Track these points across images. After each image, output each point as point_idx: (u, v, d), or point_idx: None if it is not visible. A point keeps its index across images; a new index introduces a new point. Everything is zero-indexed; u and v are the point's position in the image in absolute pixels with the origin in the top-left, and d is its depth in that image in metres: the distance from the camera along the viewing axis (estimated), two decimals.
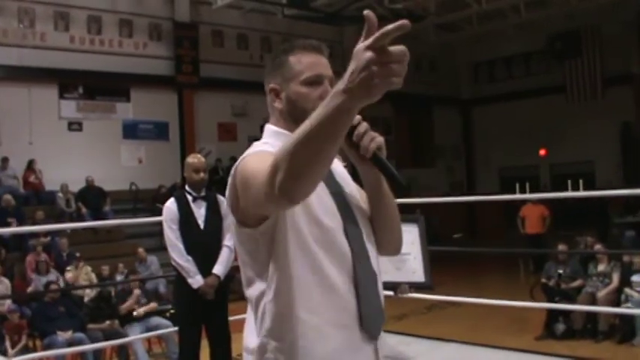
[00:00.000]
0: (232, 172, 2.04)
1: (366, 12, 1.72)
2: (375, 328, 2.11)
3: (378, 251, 2.21)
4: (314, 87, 2.10)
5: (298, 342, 2.00)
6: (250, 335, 2.13)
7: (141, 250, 12.85)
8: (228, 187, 2.07)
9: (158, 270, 12.41)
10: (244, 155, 2.06)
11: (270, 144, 2.10)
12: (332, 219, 2.06)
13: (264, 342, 2.05)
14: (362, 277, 2.06)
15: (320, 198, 2.04)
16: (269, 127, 2.22)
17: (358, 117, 1.97)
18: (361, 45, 1.69)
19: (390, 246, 2.30)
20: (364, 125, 2.02)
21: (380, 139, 2.01)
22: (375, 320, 2.10)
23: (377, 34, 1.65)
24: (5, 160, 15.90)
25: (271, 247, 2.01)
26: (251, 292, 2.13)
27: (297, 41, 2.19)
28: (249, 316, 2.17)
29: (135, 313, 9.48)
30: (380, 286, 2.15)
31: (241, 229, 2.06)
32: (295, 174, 1.71)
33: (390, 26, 1.64)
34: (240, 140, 20.78)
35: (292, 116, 2.11)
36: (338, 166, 2.26)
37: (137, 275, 12.00)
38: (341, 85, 1.71)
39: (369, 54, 1.66)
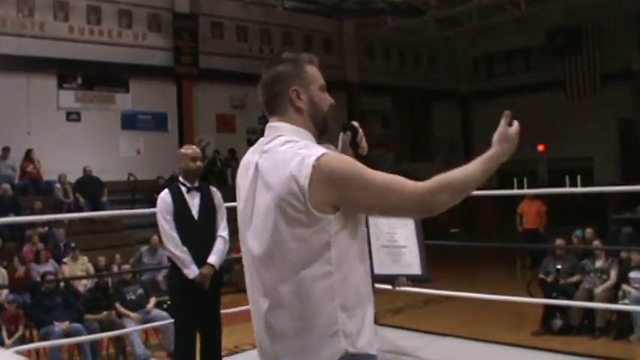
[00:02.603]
0: (315, 164, 2.26)
1: (506, 112, 2.62)
2: None
3: None
4: (324, 93, 2.55)
5: (366, 316, 2.41)
6: (314, 310, 2.34)
7: (155, 237, 12.78)
8: (301, 176, 2.28)
9: (165, 262, 12.30)
10: (311, 154, 2.30)
11: (295, 141, 2.40)
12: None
13: (337, 316, 2.33)
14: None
15: None
16: (286, 126, 2.48)
17: (357, 123, 2.68)
18: (505, 129, 2.58)
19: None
20: (360, 132, 2.71)
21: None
22: None
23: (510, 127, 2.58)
24: (6, 149, 15.90)
25: (338, 233, 2.33)
26: (310, 272, 2.32)
27: (302, 54, 2.62)
28: (298, 295, 2.35)
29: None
30: None
31: (314, 214, 2.28)
32: (456, 200, 2.38)
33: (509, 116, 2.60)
34: (238, 132, 20.78)
35: (312, 115, 2.50)
36: None
37: (142, 266, 11.97)
38: (497, 153, 2.51)
39: (512, 137, 2.55)
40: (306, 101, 2.49)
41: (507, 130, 2.51)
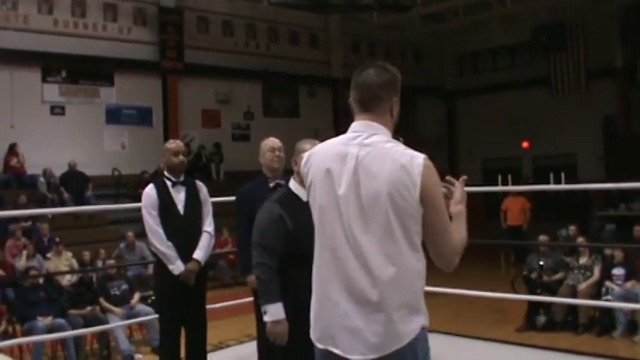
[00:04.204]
0: (425, 164, 2.64)
1: (463, 177, 3.10)
2: None
3: None
4: None
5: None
6: (417, 300, 2.74)
7: (130, 234, 12.72)
8: (414, 170, 2.62)
9: (148, 255, 12.28)
10: (419, 155, 2.68)
11: (396, 142, 2.74)
12: None
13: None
14: None
15: None
16: (381, 127, 2.77)
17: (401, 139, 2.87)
18: (463, 191, 2.98)
19: None
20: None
21: None
22: None
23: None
24: None
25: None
26: (412, 258, 2.69)
27: (392, 66, 2.87)
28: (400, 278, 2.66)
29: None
30: None
31: (417, 205, 2.63)
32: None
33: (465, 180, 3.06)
34: (223, 127, 20.76)
35: (395, 123, 2.86)
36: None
37: (123, 262, 11.93)
38: (461, 207, 2.92)
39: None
40: (396, 111, 2.83)
41: (463, 191, 2.97)
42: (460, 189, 2.97)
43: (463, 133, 28.25)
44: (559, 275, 10.21)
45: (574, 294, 9.64)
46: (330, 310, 2.72)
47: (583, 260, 10.04)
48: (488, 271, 15.21)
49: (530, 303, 9.73)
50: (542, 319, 9.75)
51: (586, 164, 23.59)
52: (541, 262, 10.39)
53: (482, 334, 7.84)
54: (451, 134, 28.75)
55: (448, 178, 3.01)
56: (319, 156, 2.82)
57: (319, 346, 2.78)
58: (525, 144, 25.59)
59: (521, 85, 24.76)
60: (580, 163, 24.01)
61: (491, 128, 25.63)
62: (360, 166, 2.66)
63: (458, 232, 2.77)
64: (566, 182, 14.11)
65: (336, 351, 2.69)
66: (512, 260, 16.31)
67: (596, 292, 9.68)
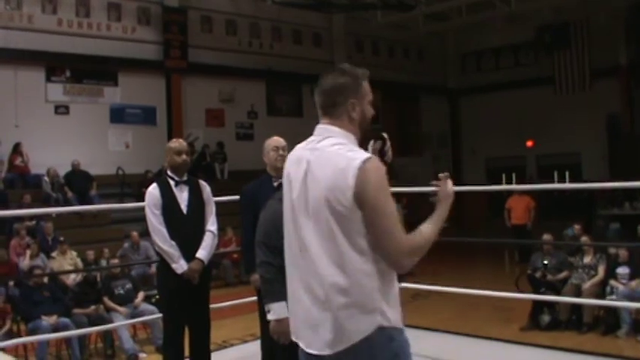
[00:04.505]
0: (361, 166, 2.64)
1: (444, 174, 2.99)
2: None
3: None
4: (370, 107, 2.93)
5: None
6: (369, 300, 2.74)
7: (135, 233, 12.70)
8: (349, 173, 2.65)
9: (153, 255, 12.25)
10: (357, 157, 2.68)
11: (344, 144, 2.77)
12: None
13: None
14: None
15: None
16: (337, 130, 2.84)
17: (386, 134, 3.11)
18: (445, 188, 2.97)
19: None
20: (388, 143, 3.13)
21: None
22: None
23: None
24: None
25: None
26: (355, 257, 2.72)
27: (360, 69, 2.95)
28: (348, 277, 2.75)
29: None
30: None
31: (354, 208, 2.65)
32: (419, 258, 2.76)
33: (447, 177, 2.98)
34: (227, 126, 20.76)
35: (360, 125, 2.88)
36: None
37: (128, 262, 11.90)
38: (444, 213, 2.90)
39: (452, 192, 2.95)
40: (359, 112, 2.86)
41: (447, 188, 2.93)
42: (443, 186, 2.97)
43: (466, 132, 28.22)
44: (563, 274, 10.20)
45: (578, 293, 9.63)
46: (295, 306, 2.87)
47: (587, 259, 10.03)
48: (492, 270, 15.23)
49: (535, 302, 9.72)
50: (546, 318, 9.74)
51: (590, 163, 23.55)
52: (545, 261, 10.38)
53: (486, 333, 7.83)
54: (454, 133, 28.73)
55: (441, 175, 3.01)
56: (288, 160, 3.02)
57: (293, 338, 2.94)
58: (529, 143, 25.56)
59: (525, 84, 24.71)
60: (584, 162, 23.97)
61: (495, 127, 25.60)
62: (308, 171, 2.80)
63: (420, 234, 2.76)
64: (571, 181, 14.14)
65: (301, 344, 2.85)
66: (517, 259, 16.29)
67: (601, 291, 9.67)
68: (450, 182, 2.98)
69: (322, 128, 2.87)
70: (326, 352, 2.72)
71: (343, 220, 2.66)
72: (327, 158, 2.73)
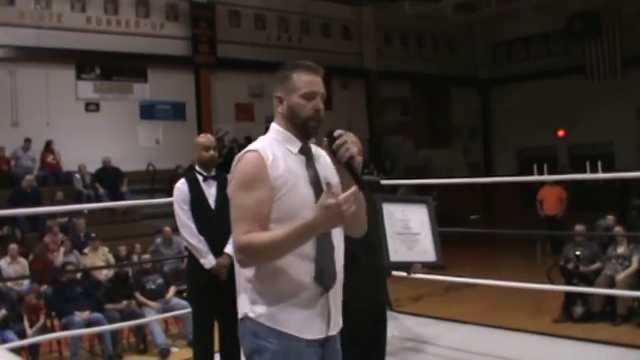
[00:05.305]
0: (237, 158, 2.78)
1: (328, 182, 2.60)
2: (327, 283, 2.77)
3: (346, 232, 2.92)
4: (309, 100, 2.79)
5: None
6: (244, 287, 2.85)
7: (167, 229, 12.74)
8: (232, 169, 2.80)
9: (185, 250, 12.26)
10: (244, 150, 2.77)
11: (274, 138, 2.82)
12: (308, 211, 2.64)
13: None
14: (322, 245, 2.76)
15: (301, 191, 2.74)
16: (274, 126, 2.87)
17: (339, 131, 2.72)
18: (325, 198, 2.49)
19: (354, 228, 2.95)
20: (343, 138, 2.70)
21: (353, 150, 2.69)
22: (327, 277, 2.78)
23: (342, 199, 2.47)
24: (27, 140, 16.02)
25: None
26: None
27: (300, 62, 2.86)
28: None
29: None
30: (336, 254, 2.83)
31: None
32: (258, 263, 2.69)
33: (348, 194, 2.49)
34: (257, 121, 20.76)
35: (290, 120, 2.81)
36: (322, 156, 2.89)
37: (160, 257, 11.96)
38: (312, 223, 2.53)
39: (332, 207, 2.48)
40: (286, 107, 2.82)
41: (327, 199, 2.48)
42: (324, 196, 2.53)
43: (497, 123, 28.02)
44: (596, 265, 10.08)
45: (612, 284, 9.51)
46: None
47: (621, 250, 9.90)
48: (524, 262, 15.14)
49: (567, 294, 9.62)
50: (579, 309, 9.63)
51: (623, 152, 23.27)
52: (577, 252, 10.27)
53: (518, 325, 7.76)
54: (485, 124, 28.55)
55: (337, 132, 2.74)
56: None
57: None
58: (561, 133, 25.33)
59: (556, 73, 24.48)
60: (617, 151, 23.70)
61: (526, 117, 25.38)
62: None
63: (267, 236, 2.63)
64: (603, 171, 13.96)
65: None
66: (548, 250, 16.16)
67: (635, 282, 9.53)
68: (342, 196, 2.51)
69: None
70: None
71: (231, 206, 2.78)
72: None
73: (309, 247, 2.69)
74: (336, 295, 2.83)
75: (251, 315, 2.74)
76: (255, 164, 2.70)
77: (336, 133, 2.70)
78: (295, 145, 2.80)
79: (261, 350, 2.73)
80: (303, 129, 2.80)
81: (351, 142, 2.70)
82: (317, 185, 2.77)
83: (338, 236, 2.85)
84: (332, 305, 2.79)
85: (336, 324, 2.85)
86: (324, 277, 2.74)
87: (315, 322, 2.75)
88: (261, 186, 2.68)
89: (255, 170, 2.69)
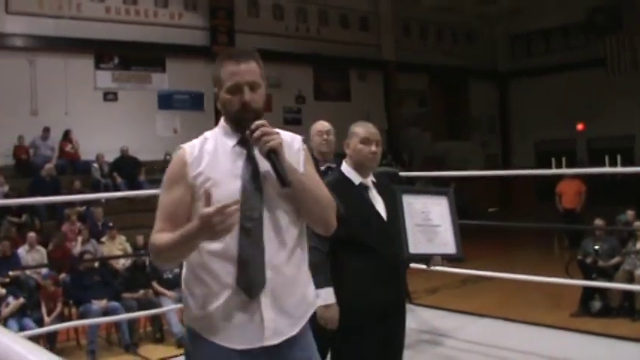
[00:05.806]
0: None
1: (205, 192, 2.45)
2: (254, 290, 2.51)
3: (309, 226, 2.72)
4: (235, 94, 2.61)
5: None
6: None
7: None
8: None
9: None
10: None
11: (218, 132, 2.70)
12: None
13: None
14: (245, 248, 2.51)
15: (225, 187, 2.51)
16: (221, 121, 2.74)
17: (259, 122, 2.52)
18: (200, 211, 2.35)
19: (314, 224, 2.71)
20: (261, 130, 2.49)
21: (274, 143, 2.48)
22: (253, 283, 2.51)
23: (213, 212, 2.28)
24: (46, 130, 16.07)
25: None
26: None
27: (226, 51, 2.78)
28: None
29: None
30: (271, 256, 2.53)
31: None
32: (160, 261, 2.69)
33: (220, 206, 2.28)
34: (275, 111, 20.73)
35: (224, 115, 2.69)
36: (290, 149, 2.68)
37: None
38: (192, 230, 2.37)
39: (203, 217, 2.30)
40: (220, 102, 2.69)
41: (203, 208, 2.36)
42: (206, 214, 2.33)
43: (516, 116, 27.90)
44: (615, 260, 10.02)
45: (631, 279, 9.46)
46: None
47: None
48: (542, 255, 15.05)
49: (585, 288, 9.58)
50: (597, 304, 9.58)
51: None
52: (596, 247, 10.21)
53: (535, 319, 7.72)
54: (504, 117, 28.43)
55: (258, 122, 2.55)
56: None
57: None
58: (580, 126, 25.19)
59: (576, 66, 24.32)
60: (637, 146, 23.57)
61: (545, 110, 25.25)
62: None
63: (166, 237, 2.53)
64: (623, 165, 13.88)
65: None
66: (566, 244, 16.08)
67: None
68: (214, 208, 2.32)
69: None
70: None
71: None
72: None
73: (231, 250, 2.50)
74: (276, 299, 2.54)
75: (184, 319, 2.68)
76: (176, 163, 2.65)
77: (254, 125, 2.51)
78: (232, 139, 2.62)
79: (193, 358, 2.65)
80: (236, 124, 2.62)
81: (276, 134, 2.53)
82: (250, 180, 2.54)
83: (275, 236, 2.58)
84: (268, 311, 2.52)
85: (278, 332, 2.54)
86: (248, 282, 2.49)
87: (247, 330, 2.51)
88: (177, 186, 2.60)
89: (174, 169, 2.64)
